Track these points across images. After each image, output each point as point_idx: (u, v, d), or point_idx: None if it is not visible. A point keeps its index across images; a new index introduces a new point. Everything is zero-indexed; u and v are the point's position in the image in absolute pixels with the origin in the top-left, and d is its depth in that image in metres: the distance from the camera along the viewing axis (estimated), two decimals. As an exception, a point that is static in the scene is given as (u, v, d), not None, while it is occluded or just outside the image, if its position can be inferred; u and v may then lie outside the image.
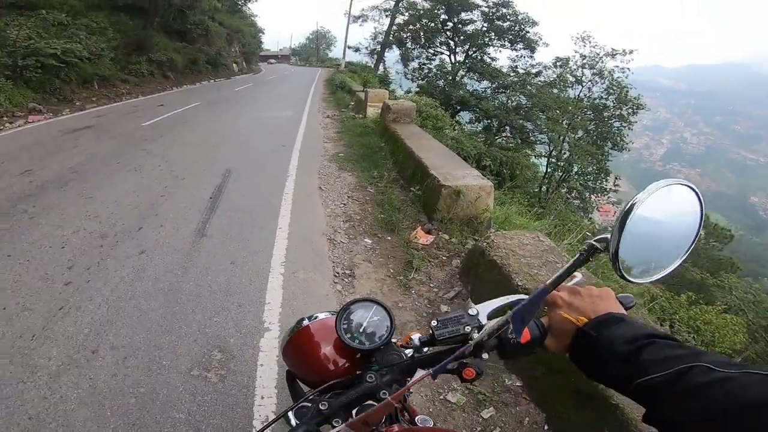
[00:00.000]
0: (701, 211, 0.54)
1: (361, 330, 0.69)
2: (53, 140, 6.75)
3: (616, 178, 19.35)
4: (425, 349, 0.68)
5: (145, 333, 2.26)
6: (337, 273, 2.98)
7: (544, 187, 16.72)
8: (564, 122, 18.36)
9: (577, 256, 0.52)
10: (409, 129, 6.15)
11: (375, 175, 5.04)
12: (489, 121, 18.97)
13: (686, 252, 0.55)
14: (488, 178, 6.96)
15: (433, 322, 0.65)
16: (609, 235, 0.50)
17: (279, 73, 30.41)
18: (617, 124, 19.34)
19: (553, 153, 18.51)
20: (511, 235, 2.78)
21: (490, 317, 0.66)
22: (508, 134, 18.92)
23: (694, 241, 0.55)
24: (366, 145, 6.56)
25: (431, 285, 2.89)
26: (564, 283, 0.58)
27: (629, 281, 0.53)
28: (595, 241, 0.51)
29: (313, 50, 67.23)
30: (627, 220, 0.48)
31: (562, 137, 18.27)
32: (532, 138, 19.00)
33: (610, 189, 18.90)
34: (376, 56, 27.44)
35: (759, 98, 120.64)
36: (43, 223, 3.56)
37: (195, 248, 3.23)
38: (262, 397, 1.90)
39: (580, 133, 19.23)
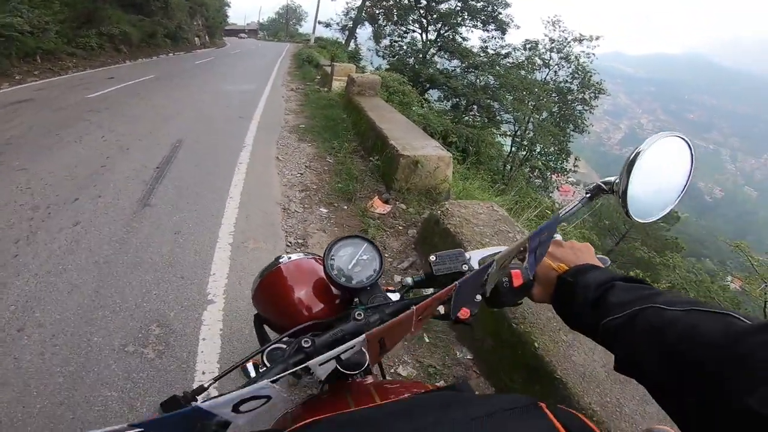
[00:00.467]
0: (692, 158, 0.61)
1: (349, 267, 0.64)
2: (-13, 113, 6.17)
3: (576, 159, 20.11)
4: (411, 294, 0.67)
5: (75, 309, 2.10)
6: (290, 243, 2.87)
7: (508, 166, 17.15)
8: (530, 103, 18.75)
9: (584, 194, 0.63)
10: (373, 102, 6.02)
11: (335, 145, 4.91)
12: (457, 99, 19.11)
13: (680, 194, 0.63)
14: (451, 152, 7.00)
15: (432, 257, 0.65)
16: (615, 179, 0.59)
17: (244, 48, 29.07)
18: (579, 107, 19.96)
19: (518, 132, 18.98)
20: (465, 204, 2.77)
21: (480, 264, 0.65)
22: (476, 113, 19.11)
23: (686, 184, 0.62)
24: (329, 117, 6.39)
25: (386, 255, 2.83)
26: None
27: (635, 219, 0.61)
28: (601, 182, 0.62)
29: (282, 25, 64.58)
30: (633, 165, 0.56)
31: (527, 117, 18.76)
32: (498, 117, 19.34)
33: (570, 169, 19.64)
34: (347, 32, 26.70)
35: (713, 88, 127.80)
36: (-36, 196, 3.23)
37: (136, 219, 3.02)
38: (203, 372, 1.81)
39: (545, 114, 19.72)
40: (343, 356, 0.45)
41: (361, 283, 0.62)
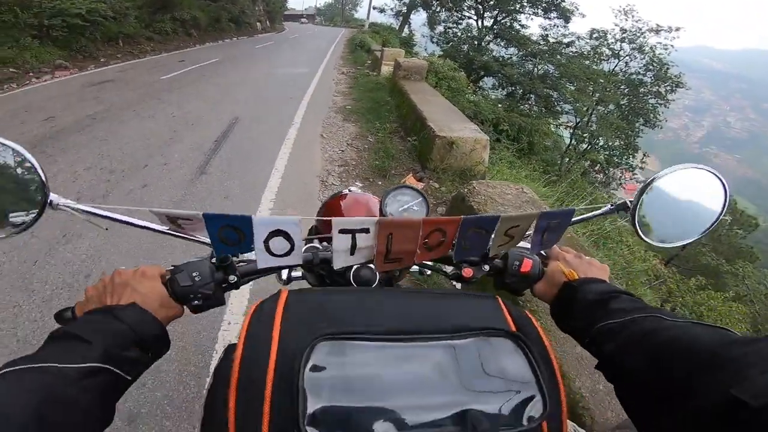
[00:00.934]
0: (725, 197, 0.60)
1: (399, 210, 0.72)
2: (76, 92, 7.00)
3: (644, 155, 18.57)
4: None
5: (134, 264, 2.41)
6: (324, 212, 3.08)
7: (566, 158, 16.22)
8: (594, 94, 17.54)
9: (608, 206, 0.65)
10: (418, 86, 6.07)
11: (378, 126, 5.06)
12: (513, 87, 18.28)
13: (705, 231, 0.64)
14: (502, 140, 6.86)
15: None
16: (628, 200, 0.63)
17: (302, 33, 29.90)
18: (653, 100, 18.39)
19: (579, 124, 17.89)
20: (494, 185, 2.79)
21: None
22: (533, 102, 18.22)
23: (713, 223, 0.62)
24: (374, 99, 6.56)
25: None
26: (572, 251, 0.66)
27: (644, 240, 0.64)
28: (627, 200, 0.64)
29: (338, 10, 65.28)
30: (646, 189, 0.60)
31: (589, 109, 17.59)
32: (558, 108, 18.25)
33: (637, 166, 18.18)
34: (401, 18, 26.46)
35: None
36: (60, 161, 3.79)
37: (194, 183, 3.41)
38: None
39: (611, 106, 18.44)
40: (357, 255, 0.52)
41: None
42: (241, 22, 22.92)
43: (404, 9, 25.51)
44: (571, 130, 18.02)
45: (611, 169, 17.64)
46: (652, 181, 0.60)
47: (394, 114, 5.53)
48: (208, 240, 0.49)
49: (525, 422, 0.35)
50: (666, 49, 17.92)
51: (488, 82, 19.54)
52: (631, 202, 0.63)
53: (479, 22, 20.68)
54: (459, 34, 20.81)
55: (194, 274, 0.53)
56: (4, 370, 0.36)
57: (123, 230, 2.64)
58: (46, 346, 0.41)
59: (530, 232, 0.61)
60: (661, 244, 0.66)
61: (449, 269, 0.69)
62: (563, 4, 18.67)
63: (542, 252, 0.69)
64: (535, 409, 0.36)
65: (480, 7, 20.25)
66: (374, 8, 28.47)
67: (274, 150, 4.23)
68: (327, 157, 4.13)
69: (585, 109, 17.50)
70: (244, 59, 12.54)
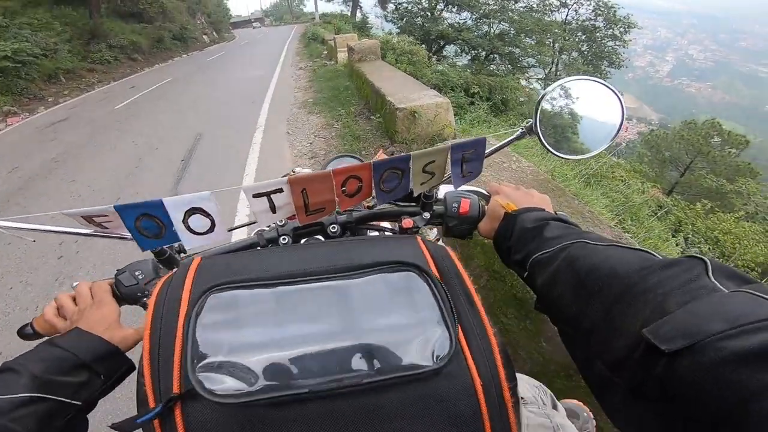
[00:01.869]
0: (621, 105, 0.63)
1: None
2: (33, 137, 6.84)
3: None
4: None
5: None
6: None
7: None
8: (554, 45, 17.78)
9: (519, 130, 0.67)
10: (374, 65, 6.03)
11: (341, 112, 5.04)
12: (475, 51, 18.36)
13: (611, 138, 0.65)
14: (476, 102, 6.85)
15: None
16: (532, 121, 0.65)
17: (252, 38, 29.23)
18: (610, 43, 19.19)
19: (548, 75, 18.20)
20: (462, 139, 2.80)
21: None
22: (498, 62, 18.36)
23: (617, 132, 0.64)
24: (334, 87, 6.52)
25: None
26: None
27: (555, 154, 0.65)
28: (526, 126, 0.66)
29: (286, 8, 63.79)
30: (539, 107, 0.62)
31: (552, 59, 17.87)
32: (523, 63, 18.45)
33: None
34: (351, 3, 26.00)
35: (762, 17, 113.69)
36: (34, 210, 3.72)
37: (168, 204, 3.37)
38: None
39: (575, 54, 19.10)
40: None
41: None
42: (186, 38, 22.34)
43: (351, -6, 25.07)
44: (542, 83, 18.32)
45: None
46: (544, 95, 0.62)
47: (356, 97, 5.51)
48: (129, 236, 0.48)
49: (432, 361, 0.32)
50: None
51: (450, 50, 19.61)
52: (526, 128, 0.65)
53: (428, -7, 20.50)
54: (410, 8, 20.59)
55: (137, 273, 0.54)
56: None
57: (100, 274, 2.63)
58: None
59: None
60: (572, 156, 0.67)
61: (392, 225, 0.70)
62: None
63: (483, 192, 0.70)
64: (443, 347, 0.33)
65: (424, -24, 20.04)
66: (321, -1, 27.93)
67: (242, 157, 4.20)
68: (296, 153, 4.12)
69: (549, 59, 17.79)
70: (198, 74, 12.28)
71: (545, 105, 0.63)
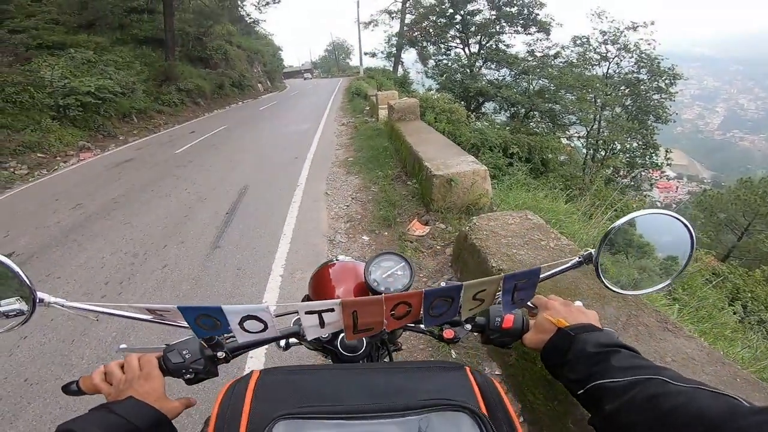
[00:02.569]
0: (692, 242, 0.62)
1: (384, 277, 0.76)
2: (100, 175, 7.58)
3: (667, 151, 18.39)
4: None
5: (157, 339, 2.51)
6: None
7: (586, 169, 16.20)
8: (596, 100, 17.68)
9: (575, 259, 0.67)
10: (413, 125, 6.25)
11: (379, 174, 5.20)
12: (514, 108, 18.54)
13: (674, 277, 0.65)
14: (515, 163, 6.83)
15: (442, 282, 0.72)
16: (593, 250, 0.64)
17: (302, 89, 31.42)
18: (656, 96, 18.59)
19: (590, 133, 17.96)
20: (495, 216, 2.77)
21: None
22: (538, 119, 18.41)
23: (682, 270, 0.64)
24: (374, 147, 6.76)
25: (420, 275, 2.98)
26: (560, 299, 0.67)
27: (612, 290, 0.65)
28: (584, 255, 0.66)
29: (333, 61, 68.59)
30: (605, 239, 0.62)
31: (594, 116, 17.69)
32: (564, 120, 18.39)
33: (662, 163, 17.96)
34: (393, 59, 27.61)
35: None
36: (89, 248, 4.08)
37: (209, 259, 3.55)
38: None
39: (618, 109, 18.67)
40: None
41: (390, 292, 0.70)
42: (243, 86, 24.27)
43: (394, 50, 26.65)
44: (585, 140, 18.08)
45: (637, 171, 17.44)
46: (611, 231, 0.61)
47: (394, 159, 5.68)
48: (187, 326, 0.54)
49: None
50: (649, 44, 18.35)
51: (489, 107, 19.91)
52: (584, 258, 0.66)
53: (466, 50, 21.42)
54: (450, 64, 21.49)
55: (184, 352, 0.59)
56: None
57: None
58: None
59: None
60: (627, 291, 0.66)
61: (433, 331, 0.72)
62: (538, 17, 19.27)
63: (530, 303, 0.71)
64: None
65: (463, 35, 21.06)
66: (365, 53, 29.86)
67: (281, 215, 4.39)
68: (333, 215, 4.25)
69: (591, 116, 17.62)
70: (250, 123, 13.20)
71: (611, 237, 0.62)
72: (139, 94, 13.83)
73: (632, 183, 16.64)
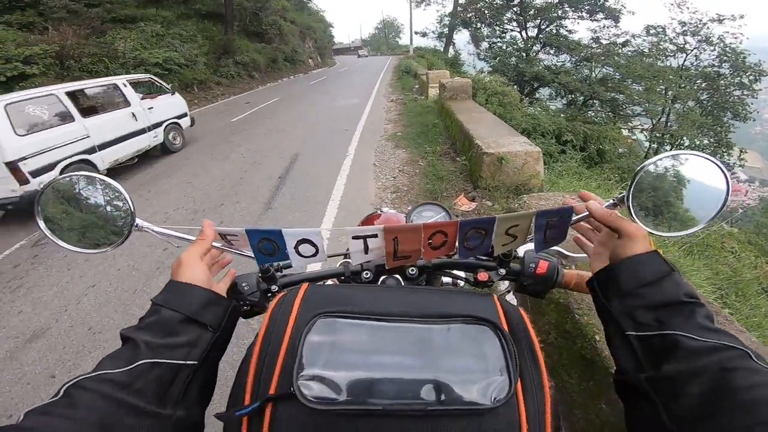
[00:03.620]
0: (727, 183, 0.59)
1: None
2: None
3: (741, 151, 16.81)
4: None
5: None
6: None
7: None
8: (667, 92, 16.34)
9: (610, 201, 0.61)
10: (464, 105, 6.15)
11: (428, 149, 5.20)
12: (572, 95, 17.55)
13: (710, 219, 0.61)
14: (568, 151, 6.56)
15: None
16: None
17: (351, 65, 31.46)
18: (737, 92, 16.98)
19: (655, 125, 16.71)
20: (547, 197, 2.72)
21: None
22: (598, 108, 17.33)
23: (719, 210, 0.60)
24: (423, 123, 6.73)
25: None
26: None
27: (649, 231, 0.60)
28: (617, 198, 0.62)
29: (383, 39, 67.68)
30: (636, 178, 0.58)
31: (664, 108, 16.39)
32: (628, 111, 17.20)
33: (735, 164, 16.49)
34: (444, 40, 26.84)
35: None
36: (154, 204, 4.46)
37: (261, 219, 3.78)
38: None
39: (691, 103, 17.20)
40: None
41: None
42: (295, 61, 24.68)
43: (446, 30, 25.85)
44: (648, 134, 16.87)
45: None
46: (641, 168, 0.59)
47: (443, 136, 5.65)
48: (250, 254, 0.61)
49: (490, 401, 0.37)
50: (736, 37, 16.61)
51: (544, 93, 18.94)
52: (617, 200, 0.62)
53: (523, 33, 20.32)
54: (504, 47, 20.54)
55: (243, 284, 0.65)
56: (66, 386, 0.40)
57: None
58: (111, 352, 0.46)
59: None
60: (669, 234, 0.62)
61: (467, 275, 0.75)
62: (608, 3, 17.80)
63: (564, 252, 0.71)
64: (501, 391, 0.38)
65: (521, 18, 19.95)
66: (416, 33, 29.19)
67: (330, 182, 4.54)
68: (380, 186, 4.33)
69: (660, 108, 16.37)
70: (301, 96, 13.50)
71: (646, 177, 0.60)
72: (201, 66, 14.42)
73: (698, 184, 15.35)
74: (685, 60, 17.99)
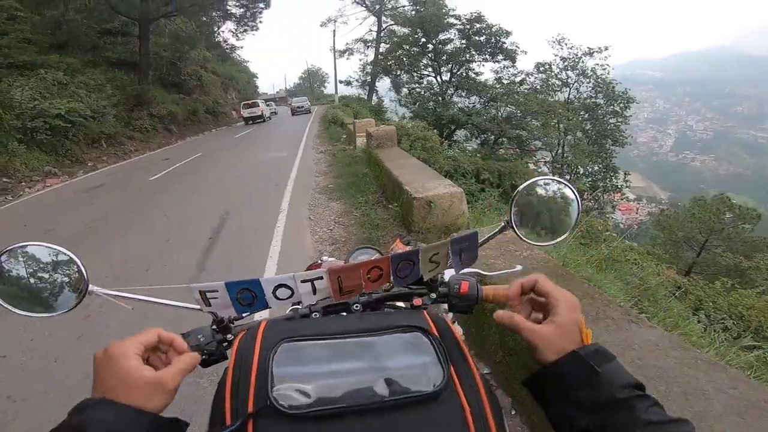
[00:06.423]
0: (577, 198, 0.79)
1: None
2: (70, 201, 7.39)
3: (625, 174, 19.56)
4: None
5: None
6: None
7: None
8: (559, 125, 18.74)
9: (501, 224, 0.81)
10: (391, 152, 6.49)
11: (361, 199, 5.37)
12: (485, 135, 19.31)
13: (571, 228, 0.82)
14: (486, 188, 7.13)
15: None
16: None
17: (277, 116, 31.53)
18: (612, 120, 19.89)
19: (555, 157, 18.94)
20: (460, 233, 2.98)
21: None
22: (507, 146, 19.28)
23: (576, 220, 0.81)
24: (354, 173, 6.95)
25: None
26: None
27: (531, 243, 0.79)
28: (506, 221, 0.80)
29: (308, 89, 69.25)
30: (511, 205, 0.78)
31: (558, 141, 18.75)
32: (532, 146, 19.36)
33: (622, 185, 19.10)
34: (368, 87, 28.39)
35: (753, 79, 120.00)
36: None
37: (194, 281, 3.54)
38: None
39: (579, 134, 19.72)
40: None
41: None
42: (217, 113, 24.03)
43: (368, 78, 27.46)
44: (549, 165, 19.01)
45: (599, 194, 18.39)
46: (515, 195, 0.77)
47: (374, 184, 5.89)
48: (214, 310, 0.66)
49: (432, 387, 0.47)
50: (604, 69, 19.71)
51: (461, 134, 20.58)
52: (506, 222, 0.80)
53: (438, 78, 22.32)
54: (422, 92, 22.26)
55: (199, 336, 0.68)
56: None
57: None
58: None
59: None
60: (547, 243, 0.82)
61: (405, 305, 0.85)
62: (504, 45, 20.32)
63: (480, 272, 0.86)
64: (438, 378, 0.48)
65: (435, 63, 22.01)
66: (340, 82, 30.57)
67: (266, 239, 4.45)
68: (317, 239, 4.36)
69: (555, 141, 18.63)
70: (227, 150, 13.10)
71: (521, 201, 0.78)
72: (110, 118, 13.42)
73: (596, 206, 17.51)
74: (569, 93, 20.83)
